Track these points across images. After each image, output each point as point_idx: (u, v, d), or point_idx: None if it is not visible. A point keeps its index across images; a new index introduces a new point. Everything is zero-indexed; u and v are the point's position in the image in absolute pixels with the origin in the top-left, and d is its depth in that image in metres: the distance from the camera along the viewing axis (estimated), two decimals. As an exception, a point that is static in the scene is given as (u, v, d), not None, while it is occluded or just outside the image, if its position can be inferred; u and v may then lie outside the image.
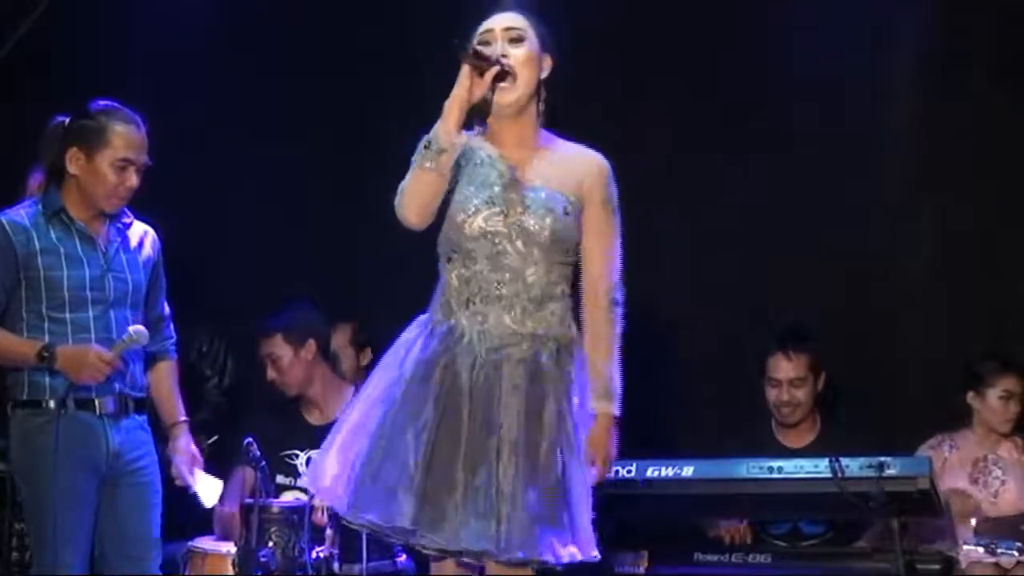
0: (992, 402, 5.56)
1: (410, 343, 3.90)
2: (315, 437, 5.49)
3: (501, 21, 3.96)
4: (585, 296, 3.92)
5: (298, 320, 5.57)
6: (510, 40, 3.93)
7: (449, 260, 3.92)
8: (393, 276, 6.32)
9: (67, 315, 4.44)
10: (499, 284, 3.85)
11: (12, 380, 4.49)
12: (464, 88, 3.83)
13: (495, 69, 3.85)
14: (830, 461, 4.85)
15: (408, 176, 3.87)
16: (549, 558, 3.70)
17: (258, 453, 4.85)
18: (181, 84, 6.36)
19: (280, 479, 5.43)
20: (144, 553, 4.52)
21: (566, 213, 3.88)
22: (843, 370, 5.88)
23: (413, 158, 3.85)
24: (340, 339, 6.04)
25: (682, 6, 6.25)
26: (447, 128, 3.82)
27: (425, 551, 3.82)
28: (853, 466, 4.84)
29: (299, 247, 6.51)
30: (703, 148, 6.17)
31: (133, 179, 4.49)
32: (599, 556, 3.82)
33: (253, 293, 6.43)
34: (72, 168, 4.49)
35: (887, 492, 4.79)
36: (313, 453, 5.48)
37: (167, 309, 4.75)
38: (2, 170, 6.12)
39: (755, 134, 6.20)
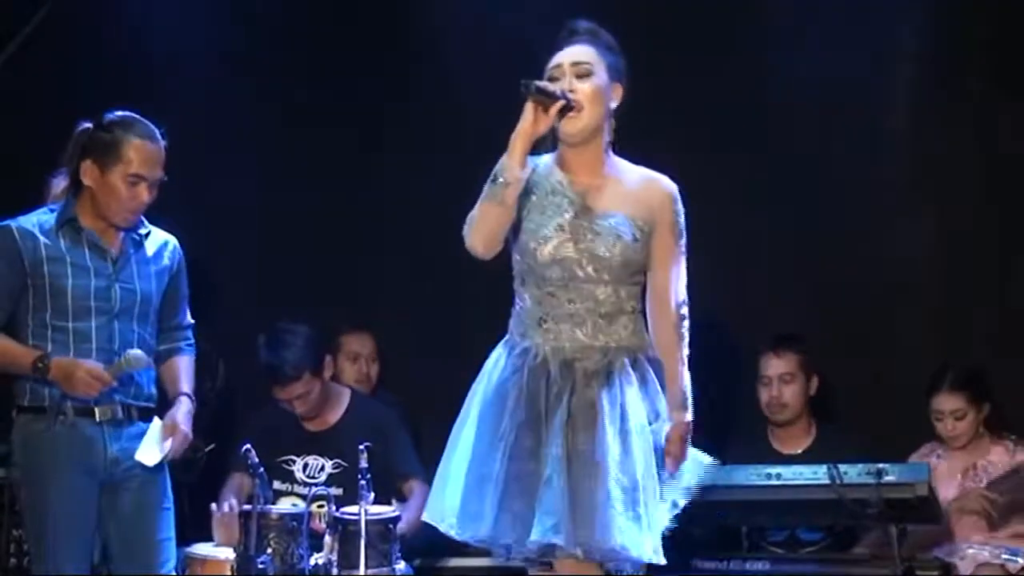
0: (933, 420, 5.54)
1: (493, 364, 4.03)
2: (312, 443, 5.53)
3: (570, 56, 4.02)
4: (654, 312, 4.04)
5: (311, 348, 5.46)
6: (577, 75, 3.99)
7: (523, 283, 4.04)
8: (394, 280, 6.34)
9: (70, 324, 4.43)
10: (570, 302, 3.97)
11: (17, 385, 4.49)
12: (528, 123, 3.90)
13: (559, 104, 3.92)
14: (828, 468, 4.86)
15: (476, 208, 3.96)
16: (621, 545, 3.78)
17: (256, 459, 4.84)
18: (182, 85, 6.35)
19: (277, 485, 5.42)
20: (148, 553, 4.51)
21: (635, 239, 3.99)
22: (839, 374, 5.88)
23: (483, 190, 3.94)
24: (359, 346, 6.04)
25: (682, 8, 6.25)
26: (512, 163, 3.89)
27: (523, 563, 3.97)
28: (852, 473, 4.85)
29: (296, 250, 6.51)
30: (700, 150, 6.17)
31: (144, 194, 4.47)
32: (660, 560, 3.88)
33: (248, 296, 6.43)
34: (86, 180, 4.48)
35: (886, 499, 4.81)
36: (310, 459, 5.52)
37: (188, 319, 4.74)
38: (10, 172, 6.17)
39: (754, 136, 6.20)
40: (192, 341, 4.75)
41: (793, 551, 5.42)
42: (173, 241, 4.68)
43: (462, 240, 6.20)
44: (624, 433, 3.86)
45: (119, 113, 4.51)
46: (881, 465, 4.86)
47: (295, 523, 4.89)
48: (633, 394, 3.91)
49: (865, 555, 5.26)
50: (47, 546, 4.36)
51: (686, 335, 4.05)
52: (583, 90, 3.98)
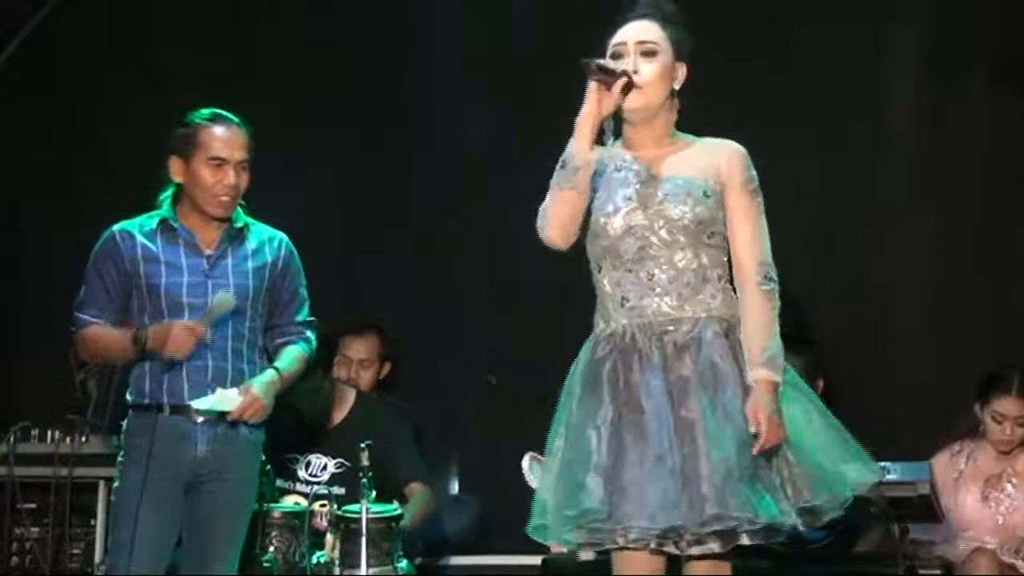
0: (987, 420, 5.45)
1: (580, 358, 3.94)
2: (316, 441, 5.52)
3: (635, 33, 3.93)
4: (737, 274, 3.93)
5: (322, 345, 5.43)
6: (642, 54, 3.90)
7: (600, 268, 3.94)
8: (395, 281, 6.34)
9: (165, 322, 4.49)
10: (650, 276, 3.88)
11: (128, 386, 4.57)
12: (593, 104, 3.84)
13: (622, 81, 3.84)
14: (831, 467, 4.85)
15: (548, 197, 3.88)
16: (747, 514, 3.69)
17: (262, 458, 4.84)
18: (182, 82, 6.35)
19: (279, 482, 5.42)
20: (211, 555, 4.50)
21: (706, 195, 3.89)
22: (839, 374, 5.88)
23: (553, 180, 3.86)
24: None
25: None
26: (580, 146, 3.84)
27: (620, 547, 3.80)
28: (853, 471, 4.84)
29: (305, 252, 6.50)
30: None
31: (230, 176, 4.52)
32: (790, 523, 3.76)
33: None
34: (176, 177, 4.56)
35: (887, 497, 4.81)
36: (312, 457, 5.53)
37: (304, 316, 4.71)
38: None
39: (754, 136, 6.19)
40: (308, 336, 4.72)
41: (795, 550, 5.43)
42: (280, 237, 4.69)
43: (463, 238, 6.36)
44: (717, 403, 3.78)
45: (203, 110, 4.59)
46: (882, 463, 4.85)
47: (298, 522, 4.90)
48: (726, 364, 3.82)
49: (867, 553, 5.28)
50: (121, 540, 4.41)
51: (771, 295, 3.91)
52: (648, 71, 3.89)
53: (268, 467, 4.86)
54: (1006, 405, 5.41)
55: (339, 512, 4.91)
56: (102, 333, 4.54)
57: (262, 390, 4.50)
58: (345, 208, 6.46)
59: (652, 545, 3.76)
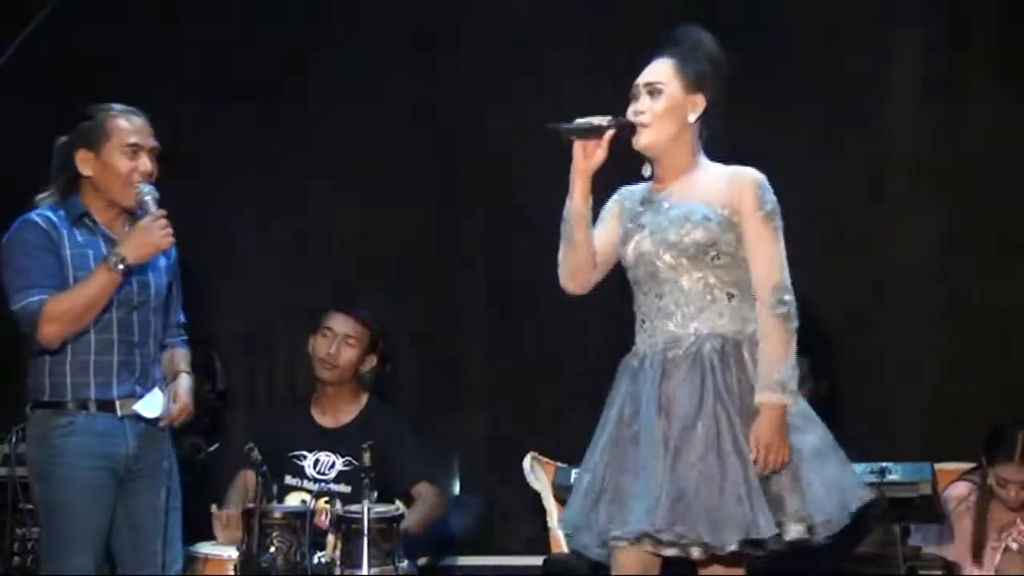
0: (991, 480, 5.39)
1: (621, 374, 4.15)
2: (324, 440, 5.55)
3: (644, 75, 4.13)
4: (757, 298, 4.07)
5: (382, 324, 5.64)
6: (648, 93, 4.09)
7: (632, 295, 4.14)
8: (396, 283, 6.33)
9: None
10: (658, 297, 4.06)
11: (33, 382, 4.49)
12: (579, 159, 4.04)
13: (609, 133, 4.01)
14: (831, 467, 4.84)
15: (559, 248, 4.13)
16: (708, 540, 3.86)
17: (259, 457, 4.84)
18: (180, 83, 6.34)
19: (288, 480, 5.44)
20: (156, 554, 4.49)
21: (707, 219, 4.03)
22: (839, 374, 5.89)
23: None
24: None
25: (680, 10, 6.25)
26: (573, 202, 4.06)
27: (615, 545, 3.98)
28: (854, 472, 4.84)
29: (295, 250, 6.50)
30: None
31: (146, 163, 4.50)
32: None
33: (247, 297, 6.42)
34: (85, 170, 4.50)
35: (889, 498, 4.82)
36: (321, 454, 5.53)
37: (183, 318, 4.77)
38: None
39: (754, 135, 6.20)
40: (186, 337, 4.77)
41: (794, 550, 5.41)
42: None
43: (463, 238, 6.35)
44: (695, 420, 3.92)
45: (97, 105, 4.55)
46: (884, 464, 4.86)
47: (298, 521, 4.89)
48: (717, 378, 3.96)
49: (869, 554, 5.27)
50: (64, 542, 4.38)
51: (785, 318, 4.03)
52: (653, 108, 4.08)
53: (264, 467, 4.86)
54: (1010, 472, 5.35)
55: (340, 512, 4.92)
56: (66, 295, 4.40)
57: (189, 396, 4.57)
58: (345, 208, 6.45)
59: (638, 546, 3.93)
